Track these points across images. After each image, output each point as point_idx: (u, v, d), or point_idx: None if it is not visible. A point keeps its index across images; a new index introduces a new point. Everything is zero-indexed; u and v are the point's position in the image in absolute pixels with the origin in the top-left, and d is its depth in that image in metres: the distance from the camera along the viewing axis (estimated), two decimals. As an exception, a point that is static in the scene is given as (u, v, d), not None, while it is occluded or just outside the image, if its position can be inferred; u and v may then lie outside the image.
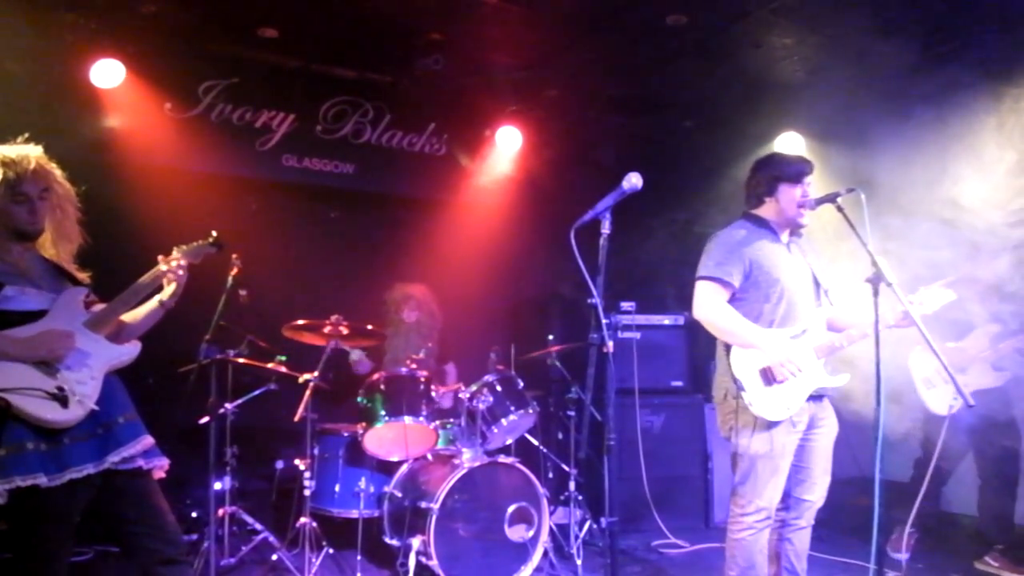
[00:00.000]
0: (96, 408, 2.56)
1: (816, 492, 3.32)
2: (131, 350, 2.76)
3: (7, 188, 2.59)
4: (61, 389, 2.49)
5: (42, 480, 2.40)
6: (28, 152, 2.67)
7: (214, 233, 2.99)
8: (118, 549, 2.66)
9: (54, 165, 2.75)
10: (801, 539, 3.37)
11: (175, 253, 2.89)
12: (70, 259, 2.81)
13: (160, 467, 2.71)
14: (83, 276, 2.83)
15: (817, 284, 3.36)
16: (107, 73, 4.87)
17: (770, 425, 3.18)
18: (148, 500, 2.66)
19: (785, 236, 3.39)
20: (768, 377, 3.20)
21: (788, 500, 3.33)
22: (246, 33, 5.01)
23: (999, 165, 4.22)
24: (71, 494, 2.47)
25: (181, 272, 2.84)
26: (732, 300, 3.31)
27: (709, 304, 3.29)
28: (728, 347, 3.31)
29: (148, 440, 2.67)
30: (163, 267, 2.81)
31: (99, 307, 2.76)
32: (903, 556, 4.46)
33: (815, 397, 3.26)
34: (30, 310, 2.60)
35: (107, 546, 4.33)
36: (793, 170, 3.31)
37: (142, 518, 2.64)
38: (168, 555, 2.65)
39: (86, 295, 2.76)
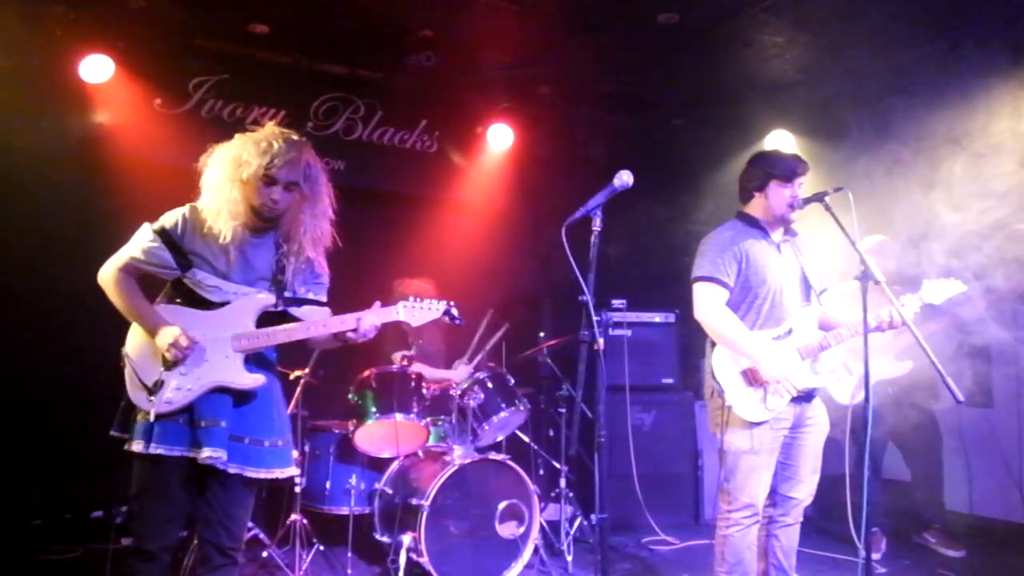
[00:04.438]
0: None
1: (803, 490, 3.34)
2: (251, 381, 2.76)
3: (261, 166, 2.71)
4: (158, 384, 2.65)
5: (140, 447, 2.62)
6: (297, 140, 2.81)
7: (451, 304, 2.97)
8: (105, 548, 2.71)
9: (320, 165, 2.89)
10: (789, 536, 3.39)
11: (402, 305, 2.86)
12: (314, 260, 2.90)
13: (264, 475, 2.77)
14: (324, 275, 2.95)
15: (807, 284, 3.38)
16: (97, 68, 4.84)
17: (752, 424, 3.20)
18: (232, 505, 2.76)
19: (778, 235, 3.40)
20: (750, 379, 3.22)
21: (775, 497, 3.34)
22: (237, 29, 4.99)
23: (988, 168, 4.26)
24: (174, 469, 2.65)
25: (363, 333, 2.83)
26: None
27: (711, 307, 3.28)
28: (712, 347, 3.33)
29: (213, 453, 2.64)
30: (355, 321, 2.80)
31: (275, 328, 2.80)
32: (877, 555, 4.54)
33: (802, 397, 3.27)
34: (204, 298, 2.76)
35: (96, 545, 4.33)
36: (786, 169, 3.31)
37: (221, 517, 2.75)
38: (222, 544, 2.75)
39: (273, 304, 2.82)
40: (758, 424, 3.20)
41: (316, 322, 2.84)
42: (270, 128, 2.84)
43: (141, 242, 2.77)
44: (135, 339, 2.75)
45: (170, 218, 2.81)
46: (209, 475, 2.71)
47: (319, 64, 5.58)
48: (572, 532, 4.69)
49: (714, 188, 5.49)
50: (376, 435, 4.39)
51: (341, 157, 5.79)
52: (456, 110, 6.12)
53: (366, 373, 4.53)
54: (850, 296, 3.14)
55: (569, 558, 4.50)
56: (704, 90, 5.69)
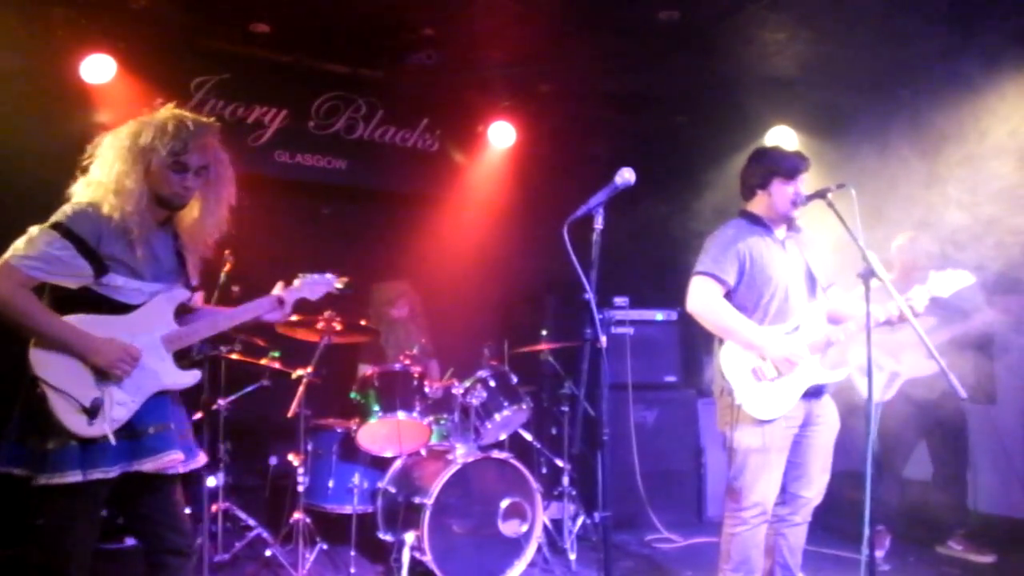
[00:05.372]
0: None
1: (812, 489, 3.32)
2: (190, 378, 2.68)
3: (171, 153, 2.55)
4: (98, 402, 2.42)
5: (77, 477, 2.37)
6: (206, 124, 2.67)
7: (345, 280, 3.05)
8: (107, 548, 2.64)
9: (223, 149, 2.74)
10: (796, 535, 3.38)
11: (296, 282, 2.91)
12: (206, 246, 2.78)
13: (191, 466, 2.67)
14: (229, 261, 2.89)
15: (812, 279, 3.36)
16: (98, 68, 4.83)
17: (763, 421, 3.19)
18: (169, 501, 2.65)
19: (781, 232, 3.39)
20: (760, 375, 3.21)
21: (784, 495, 3.33)
22: (238, 28, 4.99)
23: (991, 164, 4.25)
24: (97, 487, 2.44)
25: (287, 312, 2.88)
26: (726, 298, 3.32)
27: (704, 299, 3.28)
28: (720, 344, 3.32)
29: (176, 455, 2.55)
30: (275, 297, 2.86)
31: (195, 310, 2.74)
32: (878, 552, 4.47)
33: (812, 394, 3.26)
34: (123, 302, 2.55)
35: (98, 544, 4.32)
36: (789, 166, 3.31)
37: (162, 518, 2.64)
38: (177, 545, 2.64)
39: (188, 298, 2.72)
40: (769, 421, 3.19)
41: (241, 310, 2.82)
42: (170, 111, 2.63)
43: (44, 249, 2.41)
44: (48, 361, 2.42)
45: (76, 221, 2.47)
46: (130, 482, 2.52)
47: (320, 63, 5.57)
48: (575, 530, 4.69)
49: (716, 185, 5.48)
50: (379, 434, 4.39)
51: (342, 156, 5.79)
52: (457, 109, 6.12)
53: (368, 372, 4.54)
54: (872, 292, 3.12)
55: (572, 556, 4.50)
56: (706, 87, 5.67)
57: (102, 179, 2.54)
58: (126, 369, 2.48)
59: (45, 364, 2.42)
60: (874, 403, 4.34)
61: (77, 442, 2.40)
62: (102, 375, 2.46)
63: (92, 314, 2.49)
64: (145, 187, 2.55)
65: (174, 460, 2.55)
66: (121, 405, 2.48)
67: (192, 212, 2.72)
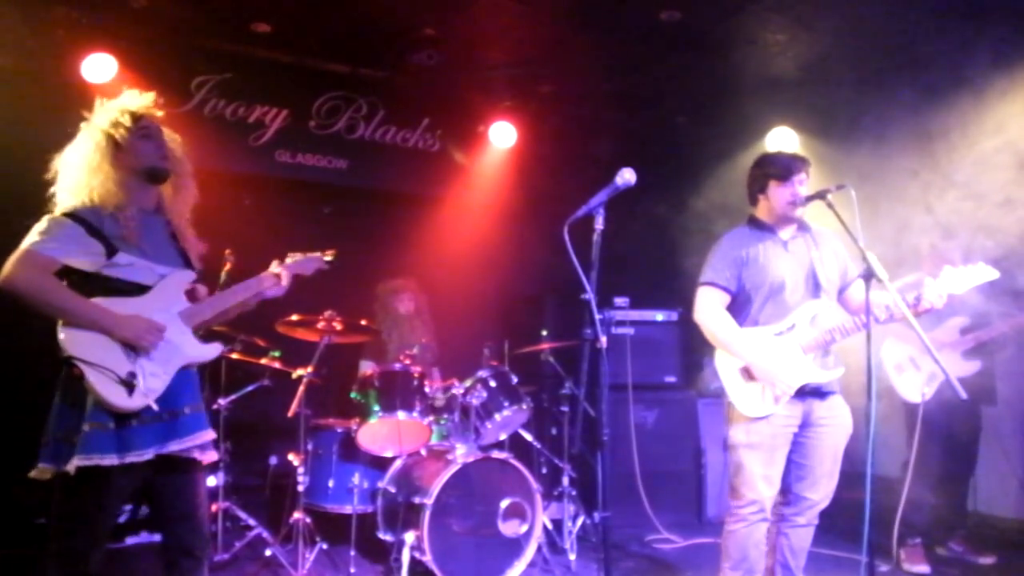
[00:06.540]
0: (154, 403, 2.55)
1: (819, 492, 3.32)
2: (213, 351, 2.74)
3: (132, 122, 2.62)
4: (132, 375, 2.47)
5: (112, 460, 2.40)
6: (133, 94, 2.74)
7: (332, 252, 3.16)
8: (108, 546, 2.64)
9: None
10: (799, 536, 3.37)
11: (289, 259, 3.00)
12: (187, 223, 2.81)
13: (208, 458, 2.69)
14: (201, 248, 2.84)
15: (816, 278, 3.35)
16: (99, 68, 4.84)
17: (751, 419, 3.23)
18: (192, 491, 2.66)
19: (787, 232, 3.38)
20: (748, 375, 3.26)
21: (788, 495, 3.34)
22: (239, 28, 5.00)
23: (991, 159, 4.25)
24: (128, 474, 2.46)
25: (285, 285, 2.96)
26: (731, 303, 3.36)
27: (707, 310, 3.35)
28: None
29: (210, 434, 2.65)
30: (273, 273, 2.95)
31: (200, 301, 2.78)
32: (925, 569, 4.35)
33: (815, 394, 3.27)
34: (136, 282, 2.59)
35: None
36: (782, 167, 3.32)
37: (181, 507, 2.64)
38: (190, 545, 2.64)
39: (194, 279, 2.76)
40: (756, 419, 3.22)
41: (243, 286, 2.86)
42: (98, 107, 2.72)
43: (57, 231, 2.49)
44: (79, 339, 2.46)
45: (75, 209, 2.56)
46: (161, 468, 2.55)
47: (321, 63, 5.58)
48: (575, 530, 4.69)
49: (717, 185, 5.49)
50: (379, 433, 4.39)
51: (343, 156, 5.79)
52: (458, 109, 6.12)
53: (369, 371, 4.54)
54: (899, 289, 3.10)
55: (572, 556, 4.51)
56: (707, 88, 5.68)
57: (80, 179, 2.60)
58: (152, 341, 2.53)
59: (77, 342, 2.46)
60: (916, 403, 4.33)
61: (114, 425, 2.43)
62: (131, 349, 2.51)
63: (112, 297, 2.54)
64: (125, 169, 2.62)
65: (207, 438, 2.61)
66: (154, 376, 2.54)
67: (167, 190, 2.78)
